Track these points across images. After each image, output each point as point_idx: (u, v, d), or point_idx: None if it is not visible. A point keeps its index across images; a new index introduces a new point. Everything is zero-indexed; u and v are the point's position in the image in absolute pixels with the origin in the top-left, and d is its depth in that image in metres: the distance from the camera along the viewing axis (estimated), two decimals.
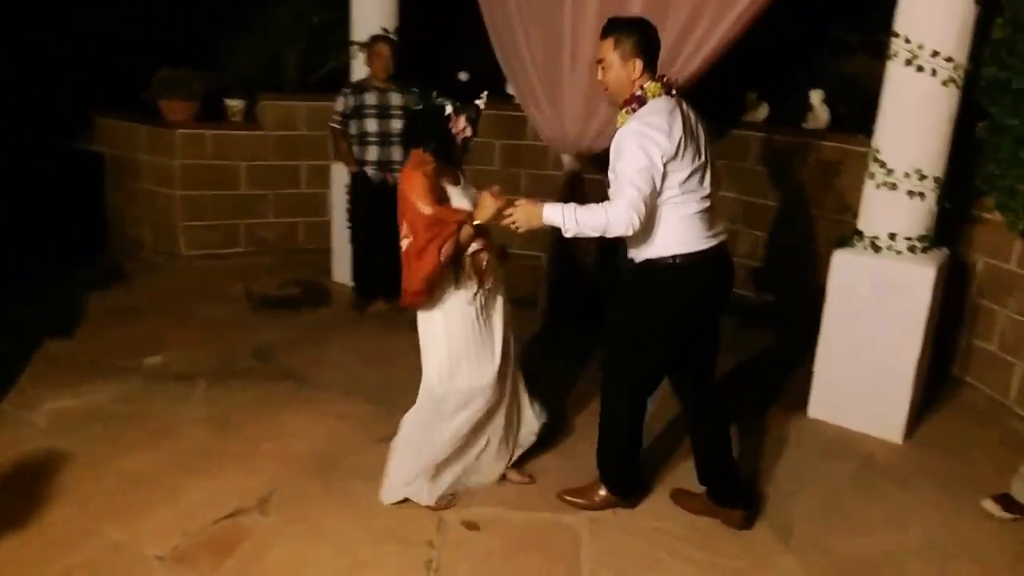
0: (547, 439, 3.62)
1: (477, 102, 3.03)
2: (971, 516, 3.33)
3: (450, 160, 3.05)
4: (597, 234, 2.82)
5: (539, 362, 4.50)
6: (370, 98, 5.03)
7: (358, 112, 5.03)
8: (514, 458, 3.41)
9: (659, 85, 2.93)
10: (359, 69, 5.50)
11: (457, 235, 2.93)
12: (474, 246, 3.02)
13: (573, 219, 2.82)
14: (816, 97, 5.48)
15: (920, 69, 3.66)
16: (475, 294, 3.05)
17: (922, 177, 3.77)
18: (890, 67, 3.78)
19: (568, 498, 3.31)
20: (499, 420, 3.26)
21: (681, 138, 2.82)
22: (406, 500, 3.20)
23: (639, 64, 2.89)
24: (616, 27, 2.93)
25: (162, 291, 5.68)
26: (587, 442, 3.40)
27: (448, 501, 3.23)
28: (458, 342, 3.06)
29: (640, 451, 3.26)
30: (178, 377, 4.28)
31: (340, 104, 5.07)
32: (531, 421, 3.43)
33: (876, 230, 3.90)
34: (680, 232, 2.90)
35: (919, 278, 3.77)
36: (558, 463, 3.58)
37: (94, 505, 3.15)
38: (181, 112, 6.19)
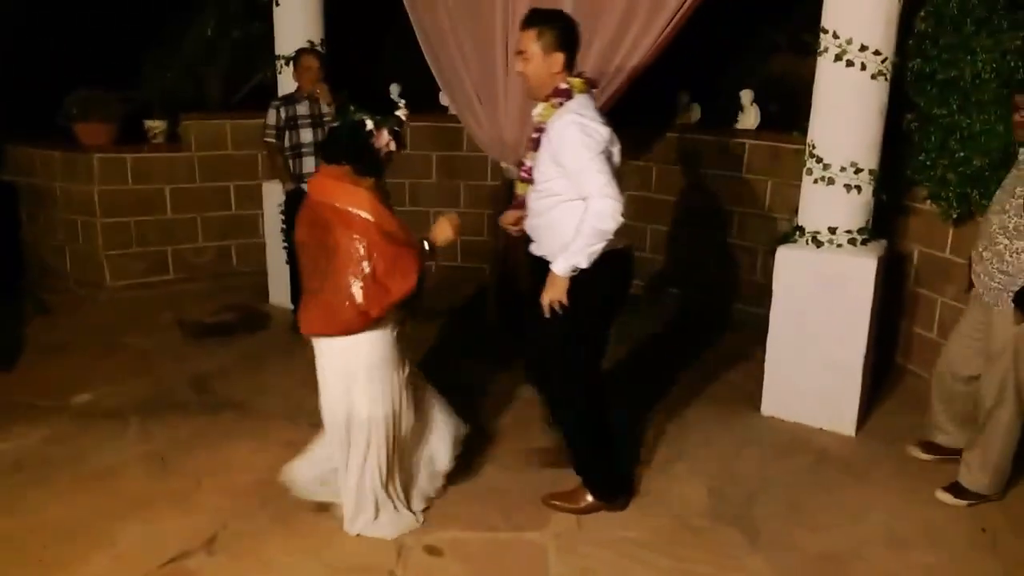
0: (495, 454, 3.55)
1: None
2: (928, 504, 3.37)
3: (381, 175, 2.94)
4: (604, 240, 2.78)
5: (486, 374, 4.43)
6: (302, 108, 4.89)
7: (291, 123, 4.88)
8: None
9: (582, 81, 2.91)
10: (286, 84, 5.34)
11: (424, 256, 2.86)
12: None
13: (578, 255, 2.79)
14: (746, 97, 5.54)
15: (850, 64, 3.70)
16: (401, 318, 2.96)
17: (858, 170, 3.83)
18: (821, 63, 3.82)
19: (555, 503, 3.24)
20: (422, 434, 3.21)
21: (611, 135, 2.81)
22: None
23: (561, 59, 2.87)
24: (539, 18, 2.89)
25: (88, 324, 5.39)
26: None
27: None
28: (379, 370, 2.93)
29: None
30: (110, 414, 4.04)
31: (272, 117, 4.90)
32: (456, 424, 3.35)
33: (816, 225, 3.94)
34: None
35: (861, 270, 3.82)
36: (507, 477, 3.49)
37: (26, 557, 2.93)
38: (98, 136, 5.90)
